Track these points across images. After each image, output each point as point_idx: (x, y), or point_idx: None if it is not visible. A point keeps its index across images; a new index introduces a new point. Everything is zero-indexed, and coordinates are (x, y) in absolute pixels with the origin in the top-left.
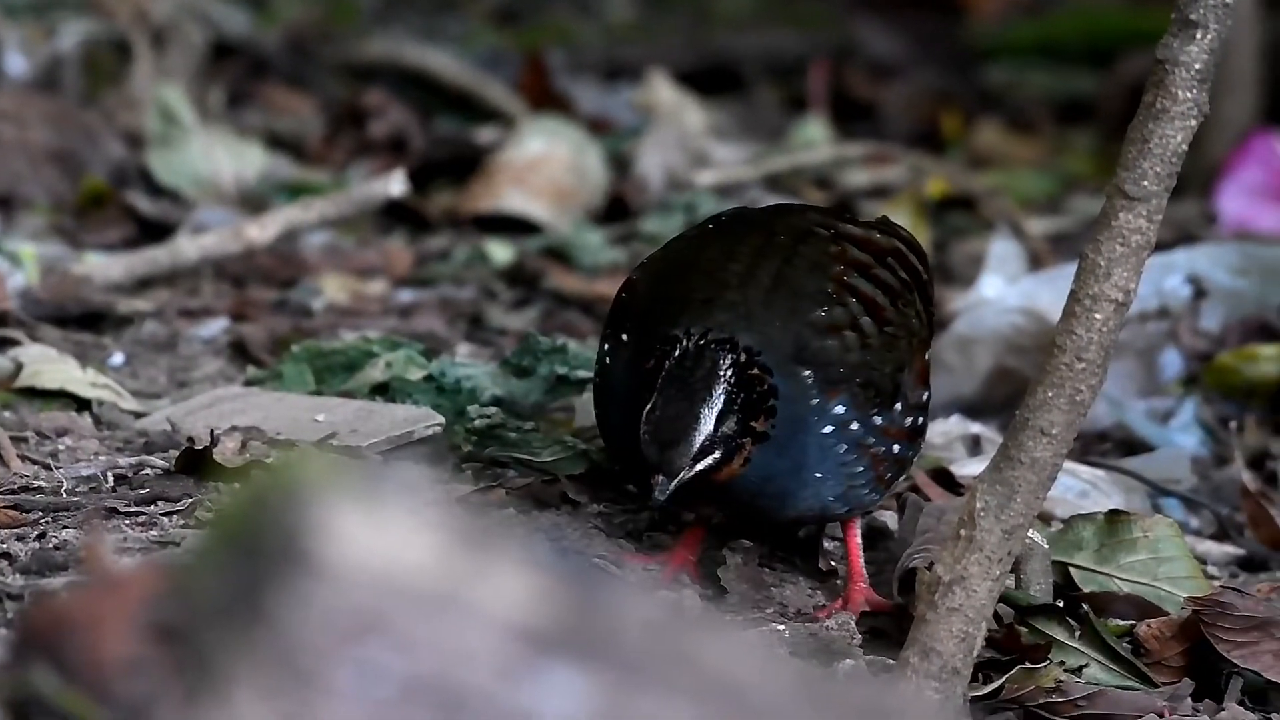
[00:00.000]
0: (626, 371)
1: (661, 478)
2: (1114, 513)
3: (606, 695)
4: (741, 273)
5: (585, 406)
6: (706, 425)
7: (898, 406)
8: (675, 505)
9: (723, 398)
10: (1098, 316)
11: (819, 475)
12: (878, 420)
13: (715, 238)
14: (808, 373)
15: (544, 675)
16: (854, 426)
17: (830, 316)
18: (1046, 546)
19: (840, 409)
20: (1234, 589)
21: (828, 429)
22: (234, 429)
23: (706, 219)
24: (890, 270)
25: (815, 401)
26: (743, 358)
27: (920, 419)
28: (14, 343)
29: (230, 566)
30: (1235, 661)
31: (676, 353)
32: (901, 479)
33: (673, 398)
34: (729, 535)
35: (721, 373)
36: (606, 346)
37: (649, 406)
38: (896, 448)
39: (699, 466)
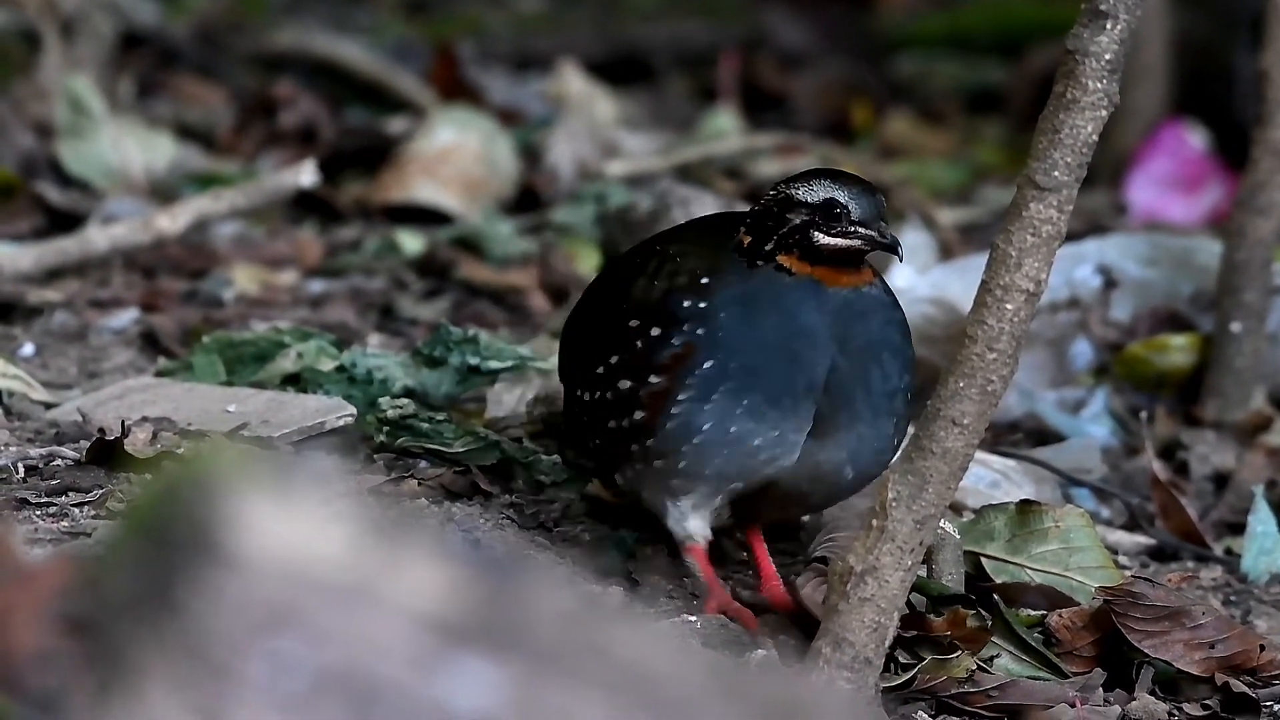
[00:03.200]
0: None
1: (885, 224)
2: (1025, 503)
3: (518, 686)
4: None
5: (497, 397)
6: None
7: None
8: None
9: None
10: (1009, 307)
11: (893, 421)
12: (909, 379)
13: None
14: None
15: (456, 666)
16: (909, 378)
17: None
18: (958, 537)
19: (907, 366)
20: (1145, 579)
21: (907, 374)
22: (145, 420)
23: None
24: None
25: (909, 350)
26: None
27: None
28: None
29: (142, 558)
30: (1146, 651)
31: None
32: None
33: (861, 181)
34: (644, 529)
35: None
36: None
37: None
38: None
39: None
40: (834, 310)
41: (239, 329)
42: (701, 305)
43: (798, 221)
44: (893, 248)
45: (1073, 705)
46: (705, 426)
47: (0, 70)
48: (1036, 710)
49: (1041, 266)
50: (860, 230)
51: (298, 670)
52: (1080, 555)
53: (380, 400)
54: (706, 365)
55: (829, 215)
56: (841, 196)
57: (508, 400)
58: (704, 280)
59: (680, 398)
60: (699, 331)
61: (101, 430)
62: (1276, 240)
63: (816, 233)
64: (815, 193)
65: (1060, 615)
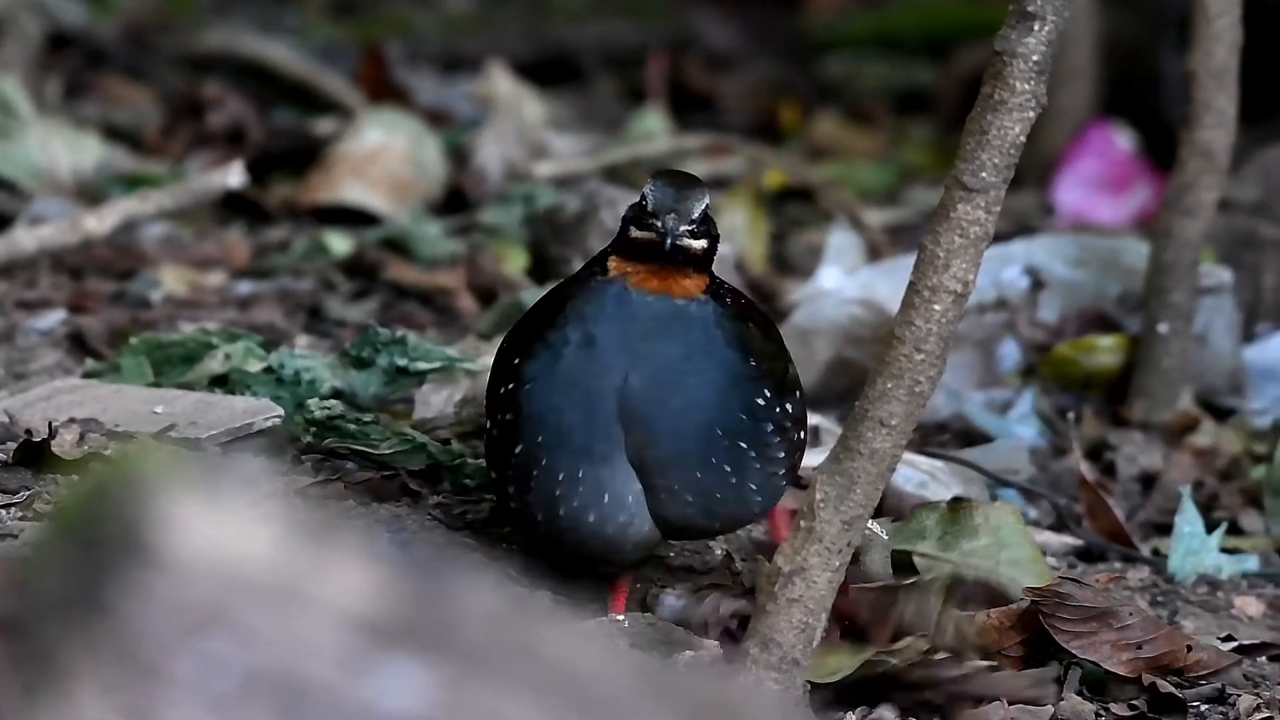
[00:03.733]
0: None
1: (674, 216)
2: (956, 500)
3: (446, 687)
4: None
5: (424, 398)
6: (705, 201)
7: (796, 394)
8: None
9: (708, 203)
10: (936, 308)
11: (752, 456)
12: (789, 407)
13: None
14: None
15: (384, 667)
16: (777, 409)
17: (731, 310)
18: (886, 537)
19: (767, 392)
20: (1073, 580)
21: (760, 400)
22: (72, 421)
23: None
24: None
25: (756, 375)
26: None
27: (804, 406)
28: None
29: (70, 559)
30: (1074, 652)
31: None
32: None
33: (675, 176)
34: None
35: (706, 193)
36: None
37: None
38: (800, 434)
39: (696, 236)
40: (630, 317)
41: (167, 330)
42: (510, 386)
43: (628, 217)
44: (661, 238)
45: (1048, 701)
46: (540, 518)
47: None
48: (967, 708)
49: (969, 267)
50: (652, 221)
51: (227, 671)
52: (1010, 550)
53: (308, 401)
54: (518, 450)
55: (639, 208)
56: (647, 189)
57: (435, 401)
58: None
59: (510, 490)
60: (507, 417)
61: (29, 431)
62: (1204, 241)
63: (631, 226)
64: (644, 189)
65: (989, 615)
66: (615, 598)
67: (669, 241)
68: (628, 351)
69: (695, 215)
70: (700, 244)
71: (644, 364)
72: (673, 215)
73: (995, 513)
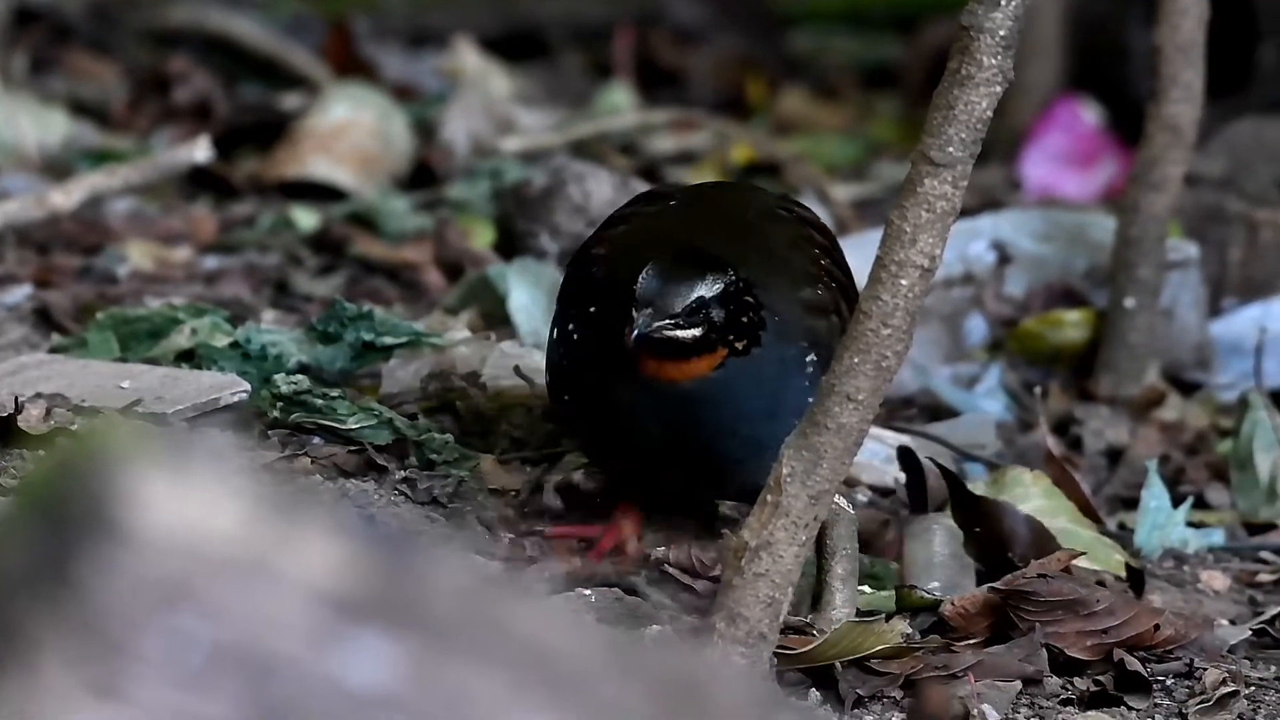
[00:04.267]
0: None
1: (650, 311)
2: (992, 467)
3: (415, 662)
4: (729, 236)
5: (391, 373)
6: (705, 288)
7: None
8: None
9: (718, 287)
10: (903, 282)
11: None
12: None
13: (681, 213)
14: (805, 344)
15: (352, 642)
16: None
17: (819, 299)
18: (853, 512)
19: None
20: (1040, 576)
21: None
22: (39, 396)
23: (648, 195)
24: (840, 254)
25: (810, 371)
26: (737, 282)
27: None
28: None
29: (36, 534)
30: (1039, 641)
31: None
32: None
33: (675, 263)
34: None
35: (716, 277)
36: (570, 326)
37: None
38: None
39: (684, 327)
40: (660, 411)
41: (133, 305)
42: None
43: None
44: (629, 334)
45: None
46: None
47: None
48: (937, 684)
49: (936, 242)
50: (632, 312)
51: (194, 646)
52: (1057, 514)
53: (274, 376)
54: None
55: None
56: (643, 276)
57: (402, 376)
58: None
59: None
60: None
61: None
62: (1170, 216)
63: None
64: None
65: (952, 603)
66: (614, 525)
67: (633, 338)
68: (670, 440)
69: (678, 309)
70: (689, 334)
71: (687, 439)
72: (650, 310)
73: (1027, 478)
